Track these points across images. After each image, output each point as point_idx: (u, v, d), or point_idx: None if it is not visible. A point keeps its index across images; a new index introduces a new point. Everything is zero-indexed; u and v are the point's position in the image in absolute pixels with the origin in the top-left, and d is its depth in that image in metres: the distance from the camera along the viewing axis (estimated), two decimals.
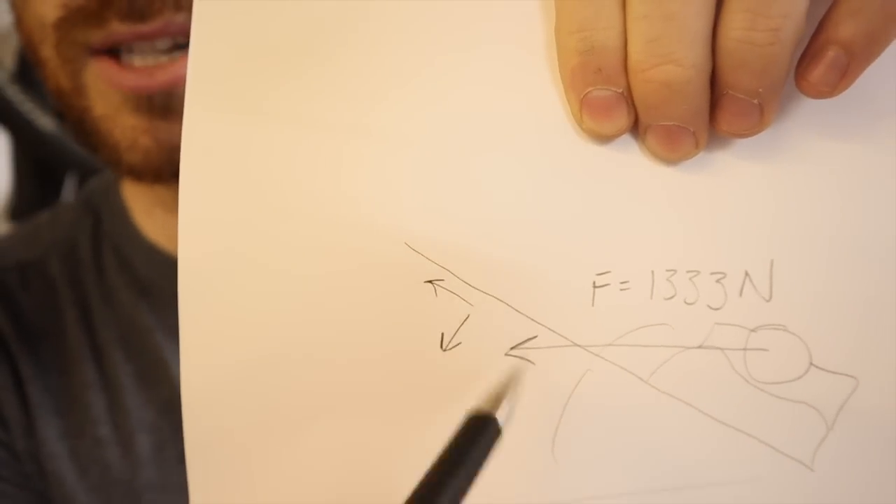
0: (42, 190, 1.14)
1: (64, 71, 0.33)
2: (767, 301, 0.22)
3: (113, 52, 0.32)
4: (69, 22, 0.31)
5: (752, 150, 0.21)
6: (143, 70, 0.31)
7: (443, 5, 0.22)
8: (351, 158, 0.22)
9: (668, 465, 0.22)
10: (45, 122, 1.04)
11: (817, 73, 0.19)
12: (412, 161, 0.22)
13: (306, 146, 0.22)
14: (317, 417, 0.22)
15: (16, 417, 0.39)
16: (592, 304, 0.22)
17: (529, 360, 0.22)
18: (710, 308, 0.22)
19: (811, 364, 0.22)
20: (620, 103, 0.20)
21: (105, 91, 0.33)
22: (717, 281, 0.22)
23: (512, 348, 0.21)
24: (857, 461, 0.22)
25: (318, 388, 0.22)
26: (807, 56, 0.19)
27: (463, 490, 0.16)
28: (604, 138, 0.21)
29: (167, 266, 0.41)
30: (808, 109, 0.21)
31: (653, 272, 0.22)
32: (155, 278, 0.41)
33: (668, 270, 0.22)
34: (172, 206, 0.32)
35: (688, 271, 0.22)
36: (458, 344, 0.22)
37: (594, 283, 0.22)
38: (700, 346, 0.22)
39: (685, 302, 0.22)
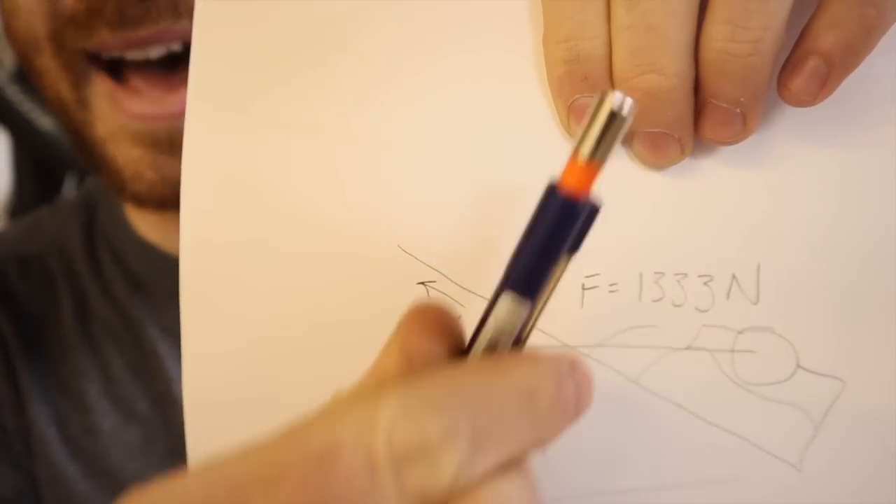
0: (42, 190, 1.14)
1: (65, 80, 0.33)
2: (754, 304, 0.22)
3: (112, 66, 0.32)
4: (60, 31, 0.31)
5: (737, 155, 0.22)
6: (148, 97, 0.31)
7: (437, 11, 0.22)
8: (344, 162, 0.22)
9: (657, 465, 0.22)
10: (45, 122, 1.04)
11: (798, 82, 0.20)
12: (404, 165, 0.22)
13: (300, 150, 0.22)
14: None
15: (5, 396, 0.40)
16: (581, 306, 0.22)
17: None
18: (698, 310, 0.22)
19: (798, 366, 0.22)
20: None
21: (108, 114, 0.32)
22: (705, 283, 0.22)
23: None
24: (845, 462, 0.22)
25: (314, 385, 0.22)
26: (788, 66, 0.20)
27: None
28: None
29: (159, 261, 0.41)
30: (792, 118, 0.22)
31: (641, 274, 0.22)
32: (146, 273, 0.41)
33: (656, 273, 0.22)
34: (171, 221, 0.33)
35: (675, 274, 0.22)
36: None
37: (583, 284, 0.22)
38: (688, 348, 0.22)
39: (673, 304, 0.22)
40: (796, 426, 0.22)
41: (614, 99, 0.14)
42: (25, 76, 1.07)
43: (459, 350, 0.17)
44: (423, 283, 0.22)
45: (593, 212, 0.16)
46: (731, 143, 0.21)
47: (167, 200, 0.34)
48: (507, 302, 0.16)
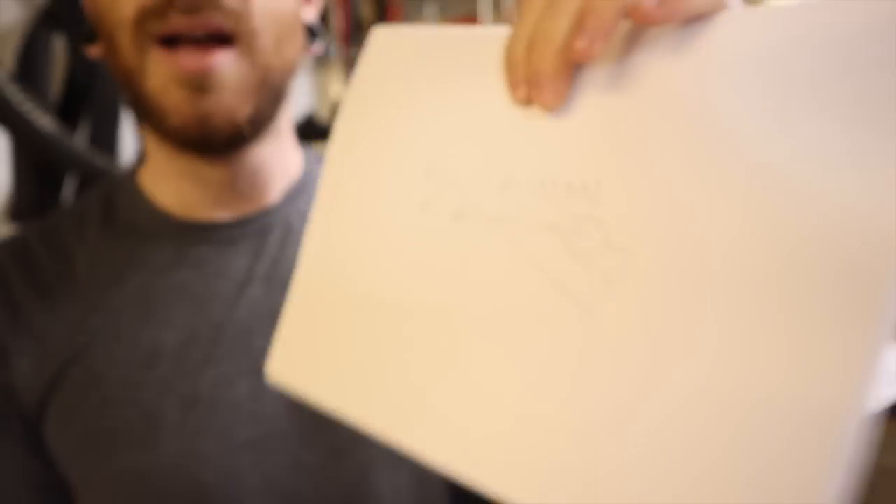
0: (42, 190, 1.14)
1: (134, 54, 0.44)
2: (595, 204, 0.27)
3: (168, 42, 0.44)
4: (142, 17, 0.43)
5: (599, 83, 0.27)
6: (190, 57, 0.43)
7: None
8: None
9: None
10: (45, 122, 1.05)
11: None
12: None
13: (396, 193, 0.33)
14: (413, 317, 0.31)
15: None
16: None
17: None
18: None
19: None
20: None
21: (160, 71, 0.44)
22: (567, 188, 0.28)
23: None
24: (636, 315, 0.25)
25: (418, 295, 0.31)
26: None
27: None
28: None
29: (169, 225, 0.50)
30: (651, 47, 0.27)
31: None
32: (158, 231, 0.50)
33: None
34: (189, 175, 0.50)
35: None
36: None
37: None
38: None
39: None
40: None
41: None
42: (25, 76, 1.08)
43: None
44: None
45: None
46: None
47: (193, 135, 0.45)
48: None
